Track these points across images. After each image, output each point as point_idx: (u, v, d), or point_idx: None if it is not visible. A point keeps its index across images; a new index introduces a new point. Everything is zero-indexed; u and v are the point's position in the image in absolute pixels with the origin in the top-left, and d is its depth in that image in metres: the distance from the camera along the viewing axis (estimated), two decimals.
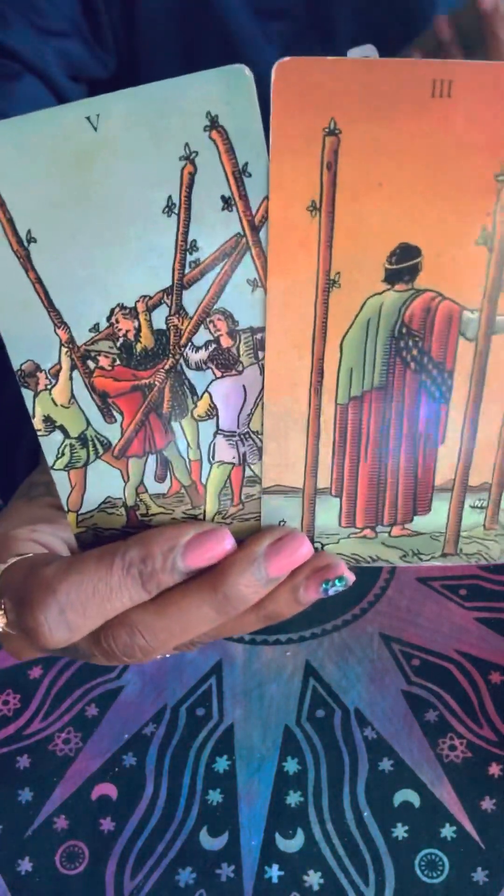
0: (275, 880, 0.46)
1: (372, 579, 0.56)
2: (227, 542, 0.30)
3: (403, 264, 0.28)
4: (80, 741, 0.50)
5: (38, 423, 0.31)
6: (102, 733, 0.51)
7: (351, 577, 0.31)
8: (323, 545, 0.32)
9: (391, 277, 0.28)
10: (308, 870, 0.46)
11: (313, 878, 0.46)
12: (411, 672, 0.52)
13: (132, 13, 0.58)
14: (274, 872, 0.46)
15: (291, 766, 0.49)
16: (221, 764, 0.49)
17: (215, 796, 0.48)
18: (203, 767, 0.49)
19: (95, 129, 0.26)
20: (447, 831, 0.47)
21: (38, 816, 0.48)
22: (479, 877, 0.45)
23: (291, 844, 0.47)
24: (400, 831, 0.47)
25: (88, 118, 0.26)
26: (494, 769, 0.49)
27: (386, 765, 0.49)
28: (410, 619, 0.54)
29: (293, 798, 0.48)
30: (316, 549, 0.32)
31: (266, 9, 0.61)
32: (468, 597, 0.55)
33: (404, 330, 0.29)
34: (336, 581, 0.31)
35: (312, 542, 0.32)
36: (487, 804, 0.48)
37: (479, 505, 0.31)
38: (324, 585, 0.31)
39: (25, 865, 0.47)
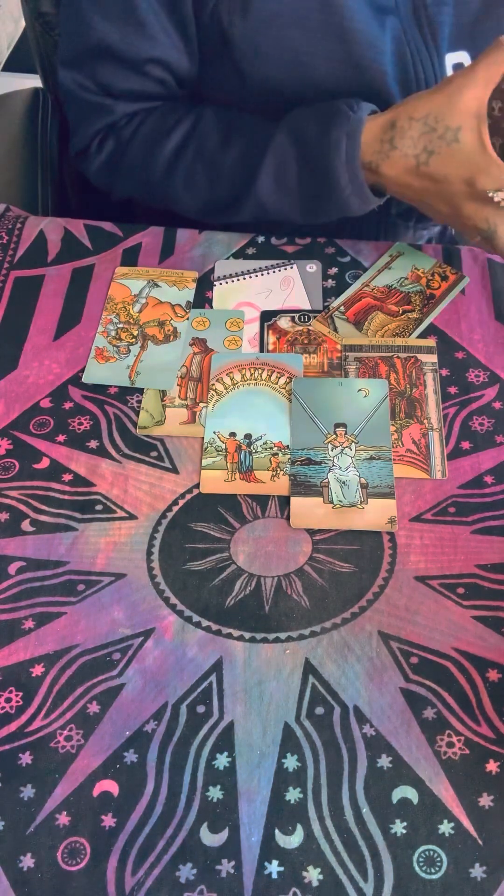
0: (274, 876, 0.46)
1: (371, 578, 0.57)
2: None
3: None
4: (82, 738, 0.51)
5: None
6: (104, 730, 0.51)
7: None
8: None
9: None
10: (307, 866, 0.46)
11: (313, 874, 0.46)
12: (410, 670, 0.53)
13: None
14: (273, 868, 0.46)
15: (291, 762, 0.50)
16: (222, 761, 0.50)
17: (215, 793, 0.49)
18: (203, 764, 0.50)
19: None
20: (445, 828, 0.47)
21: (39, 813, 0.48)
22: (476, 873, 0.46)
23: (291, 841, 0.47)
24: (398, 828, 0.47)
25: None
26: (492, 766, 0.49)
27: (384, 762, 0.49)
28: (409, 617, 0.55)
29: (293, 795, 0.49)
30: None
31: (381, 5, 0.69)
32: (466, 595, 0.56)
33: None
34: None
35: None
36: (485, 801, 0.48)
37: None
38: None
39: (27, 862, 0.47)
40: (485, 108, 0.60)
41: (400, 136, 0.63)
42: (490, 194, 0.60)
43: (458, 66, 0.72)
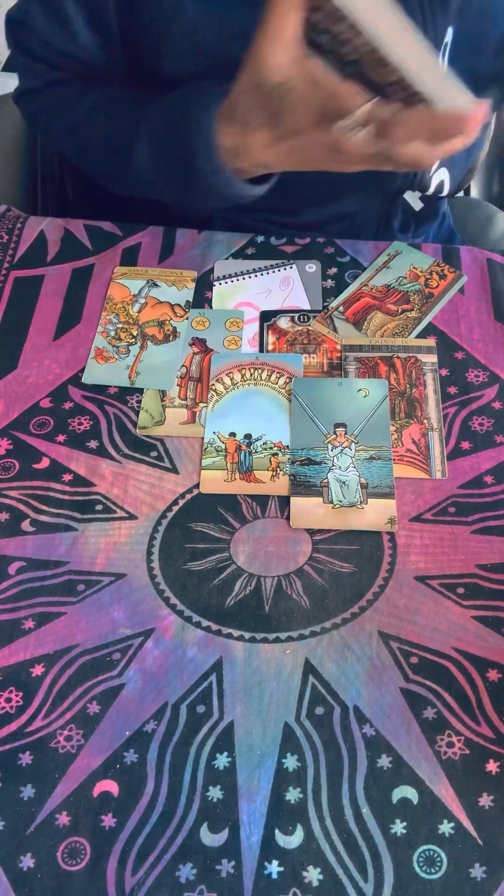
0: (274, 876, 0.46)
1: (371, 578, 0.57)
2: None
3: None
4: (82, 738, 0.51)
5: None
6: (104, 730, 0.51)
7: None
8: None
9: None
10: (307, 866, 0.46)
11: (312, 874, 0.46)
12: (410, 670, 0.53)
13: None
14: (273, 868, 0.46)
15: (291, 762, 0.50)
16: (222, 761, 0.50)
17: (215, 793, 0.49)
18: (203, 764, 0.50)
19: None
20: (445, 828, 0.47)
21: (39, 813, 0.48)
22: (476, 873, 0.46)
23: (291, 841, 0.47)
24: (398, 828, 0.47)
25: None
26: (492, 766, 0.49)
27: (384, 762, 0.49)
28: (409, 617, 0.55)
29: (293, 795, 0.49)
30: None
31: None
32: (466, 595, 0.56)
33: None
34: None
35: None
36: (485, 801, 0.48)
37: None
38: None
39: (27, 862, 0.47)
40: (297, 50, 0.55)
41: (243, 120, 0.59)
42: (339, 124, 0.55)
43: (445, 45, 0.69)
